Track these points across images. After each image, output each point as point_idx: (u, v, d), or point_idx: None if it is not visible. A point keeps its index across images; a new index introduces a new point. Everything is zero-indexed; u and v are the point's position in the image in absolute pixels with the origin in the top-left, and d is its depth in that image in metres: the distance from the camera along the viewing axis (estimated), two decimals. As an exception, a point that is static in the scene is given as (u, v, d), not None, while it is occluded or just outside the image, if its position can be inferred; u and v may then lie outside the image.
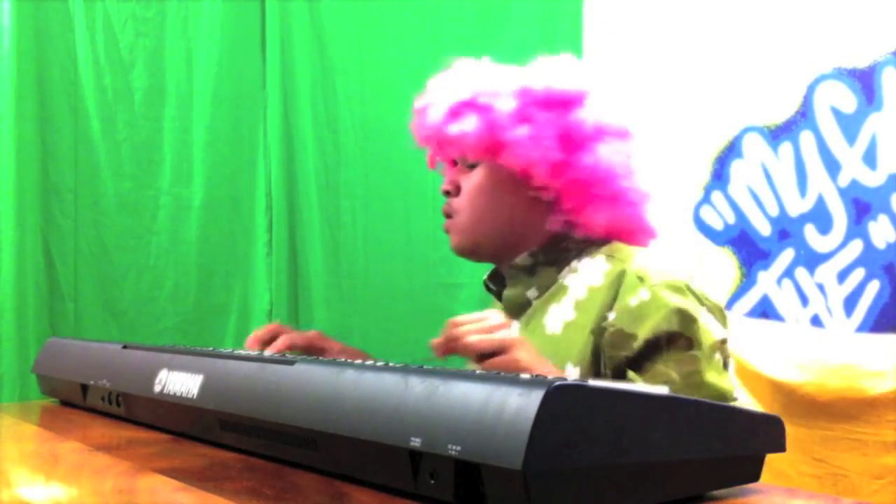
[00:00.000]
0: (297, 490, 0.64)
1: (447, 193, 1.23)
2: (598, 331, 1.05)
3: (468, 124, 1.14)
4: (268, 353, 1.17)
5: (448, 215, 1.23)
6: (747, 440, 0.64)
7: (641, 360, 1.01)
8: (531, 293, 1.17)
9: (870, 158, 1.77)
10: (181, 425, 0.86)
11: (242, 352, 1.03)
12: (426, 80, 1.28)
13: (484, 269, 1.50)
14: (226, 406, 0.75)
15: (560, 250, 1.17)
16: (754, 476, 0.65)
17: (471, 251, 1.22)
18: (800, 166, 1.90)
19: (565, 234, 1.18)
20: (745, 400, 1.08)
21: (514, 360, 0.93)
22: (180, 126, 2.11)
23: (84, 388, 1.05)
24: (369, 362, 0.67)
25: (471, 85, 1.18)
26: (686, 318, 1.01)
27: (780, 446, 0.67)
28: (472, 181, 1.20)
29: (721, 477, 0.63)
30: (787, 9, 1.92)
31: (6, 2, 1.86)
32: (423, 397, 0.56)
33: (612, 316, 1.04)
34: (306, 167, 2.26)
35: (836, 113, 1.84)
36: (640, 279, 1.04)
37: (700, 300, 1.05)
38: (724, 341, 1.05)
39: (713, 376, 1.01)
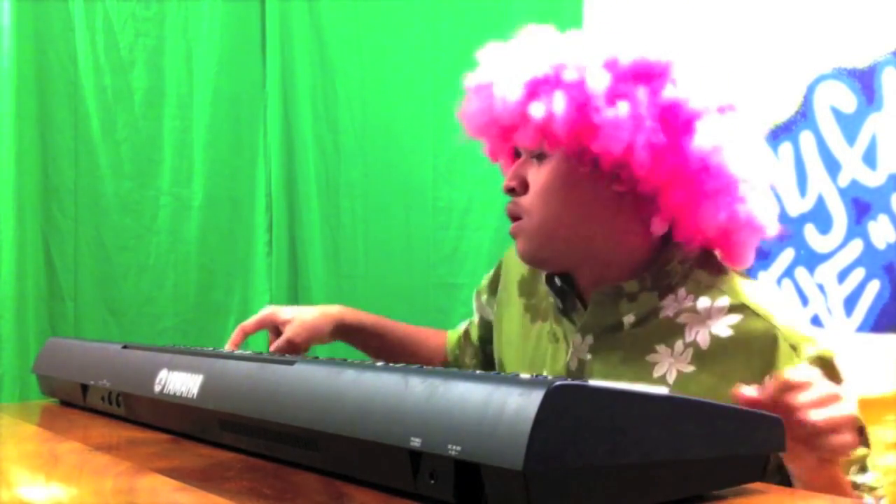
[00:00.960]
0: (297, 490, 0.63)
1: (512, 191, 1.03)
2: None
3: (557, 105, 0.93)
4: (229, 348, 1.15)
5: (515, 217, 1.03)
6: (748, 440, 0.64)
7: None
8: (628, 318, 1.00)
9: (870, 158, 1.78)
10: (181, 425, 0.86)
11: (242, 352, 1.03)
12: (426, 80, 1.24)
13: (483, 270, 1.49)
14: (226, 406, 0.75)
15: (665, 273, 1.00)
16: (755, 476, 0.65)
17: (545, 260, 1.04)
18: (800, 166, 1.90)
19: (668, 250, 1.01)
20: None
21: (853, 445, 0.80)
22: (180, 126, 2.11)
23: (84, 388, 1.05)
24: (369, 362, 0.67)
25: (549, 57, 0.98)
26: (846, 392, 0.86)
27: (780, 446, 0.67)
28: (543, 176, 1.00)
29: (721, 477, 0.63)
30: (787, 9, 1.92)
31: (6, 2, 1.86)
32: (423, 397, 0.56)
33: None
34: (306, 167, 2.26)
35: (836, 113, 1.84)
36: (794, 349, 0.92)
37: (838, 365, 0.95)
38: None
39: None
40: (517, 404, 0.50)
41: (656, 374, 0.97)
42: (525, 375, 0.54)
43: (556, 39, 1.04)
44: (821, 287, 1.84)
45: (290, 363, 0.71)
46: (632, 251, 1.02)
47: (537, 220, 1.01)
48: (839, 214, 1.81)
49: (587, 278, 1.05)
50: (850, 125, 1.81)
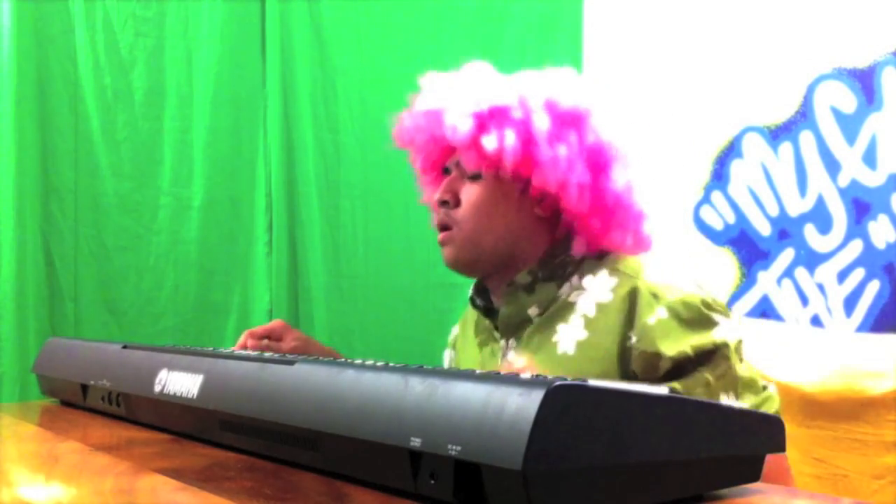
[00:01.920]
0: (297, 490, 0.64)
1: (445, 203, 1.17)
2: (623, 352, 1.03)
3: (508, 140, 1.09)
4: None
5: (444, 227, 1.17)
6: (747, 440, 0.64)
7: (676, 375, 1.01)
8: (532, 311, 1.13)
9: (870, 158, 1.77)
10: (181, 425, 0.86)
11: (242, 352, 1.03)
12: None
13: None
14: (226, 406, 0.75)
15: (557, 265, 1.14)
16: (754, 476, 0.65)
17: (468, 266, 1.18)
18: (800, 166, 1.90)
19: (557, 247, 1.15)
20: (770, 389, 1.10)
21: None
22: (180, 126, 2.11)
23: (84, 388, 1.05)
24: (369, 362, 0.67)
25: (495, 93, 1.12)
26: (707, 329, 1.02)
27: (780, 446, 0.67)
28: (475, 193, 1.14)
29: (721, 477, 0.63)
30: (787, 9, 1.92)
31: (6, 2, 1.86)
32: (423, 397, 0.56)
33: (633, 338, 1.03)
34: (306, 167, 2.26)
35: (836, 113, 1.84)
36: (655, 296, 1.04)
37: (713, 308, 1.05)
38: (741, 342, 1.06)
39: (742, 370, 1.04)
40: (517, 404, 0.50)
41: (560, 350, 1.08)
42: (525, 375, 0.54)
43: (496, 77, 1.17)
44: (821, 287, 1.84)
45: (290, 363, 0.71)
46: (535, 252, 1.16)
47: (467, 231, 1.14)
48: (839, 214, 1.81)
49: (499, 284, 1.18)
50: (850, 125, 1.81)
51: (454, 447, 0.52)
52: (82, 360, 1.09)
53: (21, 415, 1.16)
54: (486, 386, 0.53)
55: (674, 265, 1.13)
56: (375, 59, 2.33)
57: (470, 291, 1.25)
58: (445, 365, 1.42)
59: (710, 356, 1.01)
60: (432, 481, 0.55)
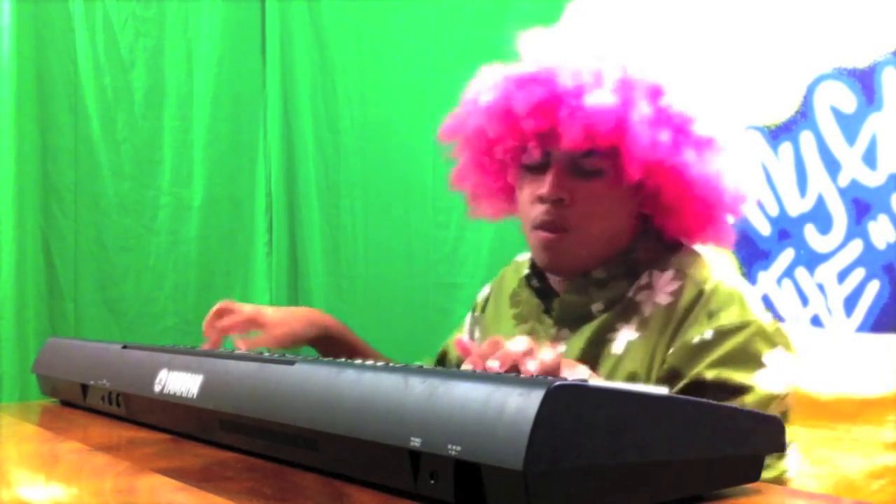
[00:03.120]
0: (297, 490, 0.63)
1: (560, 201, 1.03)
2: (661, 361, 0.97)
3: (663, 135, 0.99)
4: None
5: (557, 228, 1.04)
6: (747, 440, 0.64)
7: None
8: (596, 306, 1.06)
9: (870, 158, 1.77)
10: (181, 425, 0.86)
11: (242, 352, 1.03)
12: (426, 79, 1.24)
13: (483, 270, 1.48)
14: (226, 406, 0.75)
15: (632, 262, 1.06)
16: (754, 476, 0.65)
17: (576, 271, 1.07)
18: (800, 166, 1.90)
19: (637, 242, 1.07)
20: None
21: None
22: (180, 126, 2.11)
23: (84, 388, 1.05)
24: (369, 362, 0.67)
25: (615, 60, 1.02)
26: (742, 368, 0.94)
27: (780, 446, 0.67)
28: (595, 192, 1.03)
29: (721, 477, 0.63)
30: (787, 9, 1.92)
31: (6, 2, 1.86)
32: (423, 397, 0.56)
33: (671, 349, 0.97)
34: (306, 167, 2.26)
35: (836, 113, 1.84)
36: (710, 315, 0.97)
37: (770, 344, 0.97)
38: (785, 397, 0.96)
39: None
40: (517, 404, 0.50)
41: (613, 351, 1.02)
42: (525, 375, 0.54)
43: (602, 42, 1.08)
44: (821, 287, 1.84)
45: (290, 363, 0.71)
46: (618, 247, 1.08)
47: (586, 235, 1.04)
48: (839, 214, 1.81)
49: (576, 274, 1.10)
50: (850, 125, 1.81)
51: (454, 447, 0.52)
52: (82, 360, 1.09)
53: (21, 415, 1.16)
54: (486, 386, 0.53)
55: (735, 274, 1.05)
56: (375, 59, 2.33)
57: (525, 269, 1.16)
58: (465, 327, 1.34)
59: (726, 395, 0.92)
60: (432, 481, 0.55)
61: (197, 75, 2.13)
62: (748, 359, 0.95)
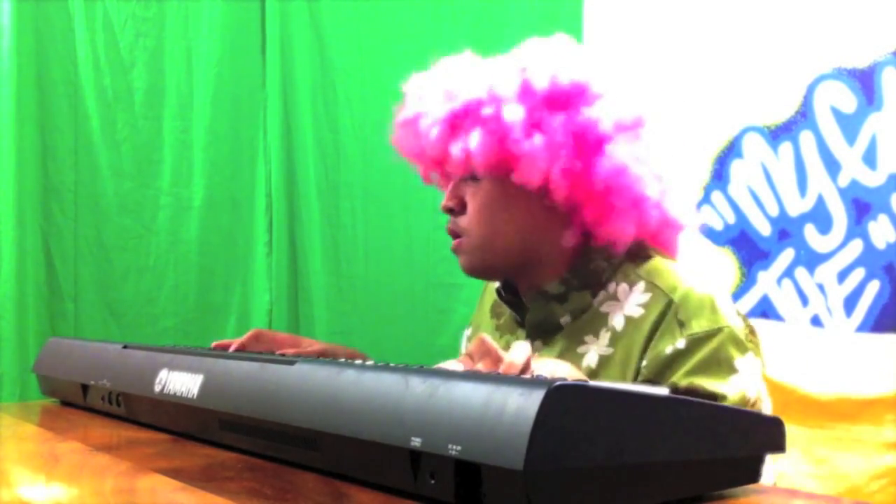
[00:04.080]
0: (297, 490, 0.63)
1: (450, 211, 1.10)
2: (635, 373, 0.97)
3: (473, 141, 1.01)
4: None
5: (455, 235, 1.10)
6: (747, 441, 0.64)
7: None
8: (564, 319, 1.06)
9: (870, 158, 1.77)
10: (181, 425, 0.86)
11: (242, 352, 1.03)
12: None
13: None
14: (226, 406, 0.75)
15: (590, 271, 1.06)
16: (754, 476, 0.65)
17: (485, 272, 1.11)
18: (800, 166, 1.90)
19: (592, 251, 1.07)
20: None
21: None
22: (180, 126, 2.11)
23: (84, 388, 1.05)
24: (369, 362, 0.67)
25: (466, 90, 1.04)
26: (714, 375, 0.94)
27: (780, 446, 0.67)
28: (479, 197, 1.07)
29: (721, 477, 0.63)
30: (787, 9, 1.92)
31: (6, 2, 1.86)
32: (423, 397, 0.56)
33: (645, 361, 0.97)
34: (306, 167, 2.26)
35: (836, 113, 1.84)
36: (681, 324, 0.97)
37: (742, 348, 0.97)
38: (755, 402, 0.97)
39: None
40: (517, 404, 0.50)
41: (584, 363, 1.02)
42: (525, 376, 0.54)
43: (472, 69, 1.08)
44: (821, 287, 1.84)
45: (291, 363, 0.71)
46: (562, 253, 1.08)
47: (476, 237, 1.07)
48: (839, 214, 1.81)
49: (525, 284, 1.11)
50: (850, 125, 1.81)
51: (454, 447, 0.52)
52: (82, 360, 1.09)
53: (21, 415, 1.16)
54: (486, 386, 0.53)
55: (716, 281, 1.04)
56: (375, 59, 2.33)
57: (496, 283, 1.19)
58: (462, 345, 1.37)
59: (702, 398, 0.92)
60: (432, 481, 0.55)
61: (197, 75, 2.13)
62: (720, 365, 0.95)
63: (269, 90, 2.23)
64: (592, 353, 1.02)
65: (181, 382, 0.82)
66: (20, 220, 1.85)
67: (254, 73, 2.22)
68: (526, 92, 1.02)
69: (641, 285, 1.02)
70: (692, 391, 0.94)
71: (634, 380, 0.98)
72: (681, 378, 0.94)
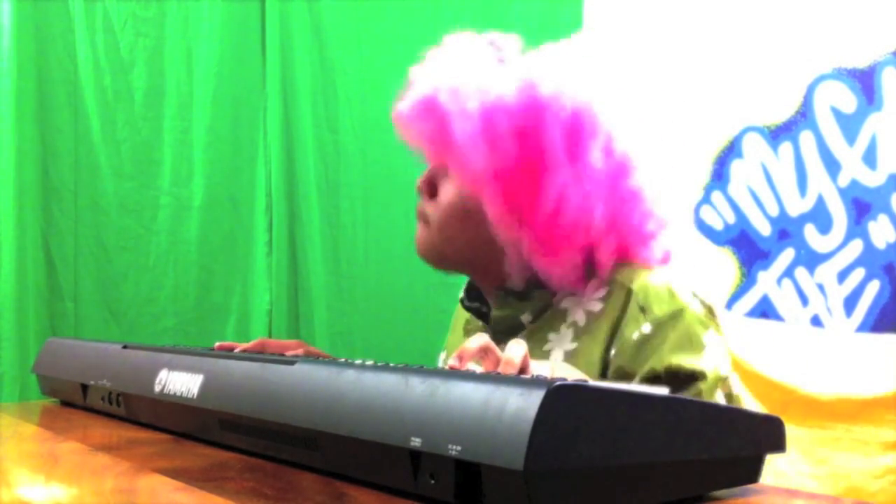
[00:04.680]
0: (297, 490, 0.63)
1: (419, 192, 1.11)
2: (604, 365, 0.98)
3: (475, 158, 1.00)
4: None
5: (423, 218, 1.11)
6: (747, 440, 0.64)
7: None
8: (525, 317, 1.07)
9: (870, 158, 1.77)
10: (181, 425, 0.86)
11: (242, 352, 1.03)
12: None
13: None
14: (226, 406, 0.75)
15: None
16: (754, 476, 0.65)
17: (434, 264, 1.13)
18: (800, 166, 1.90)
19: None
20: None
21: None
22: (180, 126, 2.11)
23: (84, 388, 1.05)
24: (369, 362, 0.67)
25: (434, 81, 1.07)
26: (689, 353, 0.95)
27: (780, 446, 0.67)
28: (447, 193, 1.07)
29: (721, 477, 0.63)
30: (787, 9, 1.92)
31: (6, 2, 1.86)
32: (423, 397, 0.56)
33: (613, 350, 0.97)
34: (306, 167, 2.26)
35: (836, 113, 1.84)
36: (643, 310, 0.98)
37: (706, 327, 0.98)
38: (726, 378, 0.98)
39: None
40: (517, 404, 0.50)
41: (550, 359, 1.02)
42: (525, 375, 0.54)
43: (453, 64, 1.10)
44: (821, 287, 1.84)
45: (291, 363, 0.71)
46: (518, 257, 1.06)
47: (434, 231, 1.08)
48: (839, 214, 1.81)
49: (487, 284, 1.11)
50: (850, 125, 1.81)
51: (454, 447, 0.52)
52: (82, 360, 1.09)
53: (21, 415, 1.16)
54: (486, 386, 0.53)
55: (672, 269, 1.06)
56: (375, 59, 2.33)
57: (461, 293, 1.19)
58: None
59: (680, 383, 0.94)
60: (432, 481, 0.55)
61: (197, 75, 2.13)
62: (691, 343, 0.96)
63: (269, 90, 2.23)
64: (557, 350, 1.03)
65: (181, 382, 0.82)
66: (20, 220, 1.85)
67: (254, 73, 2.22)
68: (482, 105, 1.02)
69: (595, 281, 1.03)
70: (673, 372, 0.94)
71: (603, 371, 0.98)
72: (657, 362, 0.95)
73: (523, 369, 0.77)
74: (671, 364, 0.95)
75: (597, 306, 1.02)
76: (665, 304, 0.98)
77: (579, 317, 1.03)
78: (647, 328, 0.97)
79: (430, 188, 1.10)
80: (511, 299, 1.08)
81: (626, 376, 0.96)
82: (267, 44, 2.23)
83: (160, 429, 0.89)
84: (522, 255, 1.03)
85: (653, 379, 0.95)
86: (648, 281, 1.01)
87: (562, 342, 1.03)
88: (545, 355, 1.03)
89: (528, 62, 1.06)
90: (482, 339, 0.79)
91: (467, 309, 1.17)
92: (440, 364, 1.38)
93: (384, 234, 2.35)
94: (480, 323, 1.17)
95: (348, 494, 0.61)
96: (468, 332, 1.23)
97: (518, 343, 0.78)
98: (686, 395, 0.94)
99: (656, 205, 1.06)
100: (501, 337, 1.08)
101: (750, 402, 1.02)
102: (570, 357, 1.01)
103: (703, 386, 0.94)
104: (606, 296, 1.01)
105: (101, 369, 1.01)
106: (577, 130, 1.00)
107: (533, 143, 0.99)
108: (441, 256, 1.10)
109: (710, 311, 1.03)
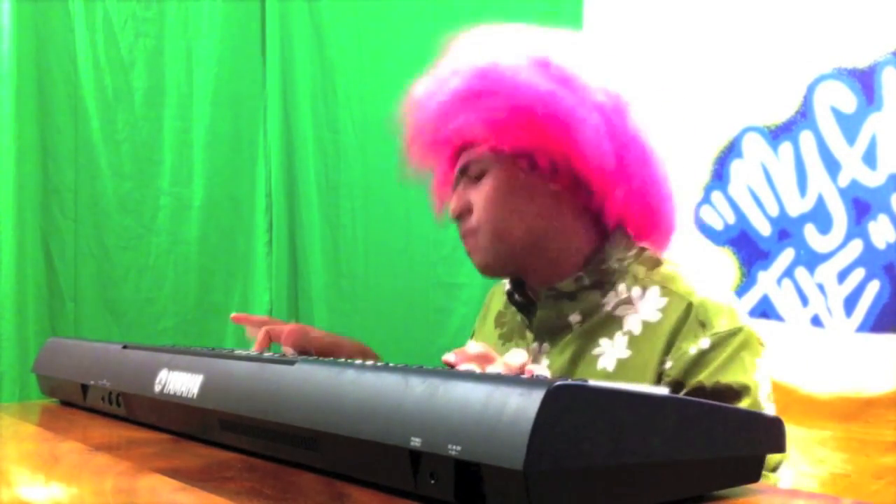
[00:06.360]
0: (297, 490, 0.63)
1: (459, 216, 1.09)
2: (658, 376, 0.98)
3: (485, 108, 1.00)
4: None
5: (468, 235, 1.09)
6: (747, 440, 0.64)
7: None
8: (573, 317, 1.06)
9: (870, 158, 1.77)
10: (181, 425, 0.86)
11: (242, 352, 1.03)
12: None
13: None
14: (226, 406, 0.75)
15: (604, 272, 1.06)
16: (754, 476, 0.65)
17: (496, 268, 1.09)
18: (800, 166, 1.90)
19: (607, 250, 1.06)
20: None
21: None
22: (180, 126, 2.11)
23: (84, 388, 1.05)
24: (369, 362, 0.67)
25: (483, 70, 1.06)
26: (741, 371, 0.97)
27: (780, 446, 0.67)
28: (483, 192, 1.06)
29: (721, 477, 0.63)
30: (787, 9, 1.92)
31: (6, 2, 1.86)
32: (423, 397, 0.56)
33: (669, 363, 0.98)
34: (306, 167, 2.26)
35: (836, 113, 1.84)
36: (703, 325, 0.98)
37: (759, 347, 1.00)
38: (770, 395, 1.00)
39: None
40: (517, 404, 0.50)
41: (600, 366, 1.02)
42: (525, 375, 0.54)
43: (484, 51, 1.11)
44: (821, 287, 1.84)
45: (291, 363, 0.71)
46: (578, 250, 1.07)
47: (486, 231, 1.06)
48: (839, 214, 1.81)
49: (539, 281, 1.10)
50: (850, 125, 1.81)
51: (454, 447, 0.52)
52: (82, 360, 1.09)
53: (21, 415, 1.16)
54: (486, 386, 0.53)
55: (725, 287, 1.06)
56: (375, 59, 2.33)
57: (507, 284, 1.17)
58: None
59: (727, 397, 0.95)
60: (432, 481, 0.55)
61: (197, 75, 2.13)
62: (744, 362, 0.98)
63: (269, 90, 2.23)
64: (609, 356, 1.02)
65: (181, 382, 0.82)
66: (20, 220, 1.85)
67: (254, 73, 2.22)
68: (541, 64, 1.04)
69: (657, 290, 1.03)
70: (721, 390, 0.95)
71: (657, 383, 0.98)
72: (707, 377, 0.96)
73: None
74: (719, 381, 0.96)
75: (655, 316, 1.01)
76: (726, 322, 0.99)
77: (635, 326, 1.02)
78: (705, 343, 0.97)
79: (468, 207, 1.08)
80: (562, 301, 1.07)
81: (677, 386, 0.97)
82: (267, 44, 2.23)
83: (160, 429, 0.89)
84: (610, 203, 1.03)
85: (698, 392, 0.95)
86: (709, 295, 1.01)
87: (616, 350, 1.02)
88: (594, 360, 1.03)
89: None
90: (483, 347, 0.79)
91: (514, 303, 1.15)
92: None
93: (384, 234, 2.35)
94: (518, 318, 1.16)
95: (348, 494, 0.61)
96: (500, 324, 1.22)
97: (519, 351, 0.79)
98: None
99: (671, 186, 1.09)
100: (546, 338, 1.09)
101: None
102: (621, 365, 1.01)
103: (748, 400, 0.95)
104: (666, 307, 1.01)
105: (101, 369, 1.01)
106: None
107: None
108: (502, 254, 1.07)
109: (761, 337, 1.03)
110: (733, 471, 0.63)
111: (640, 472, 0.55)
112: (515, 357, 0.79)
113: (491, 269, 1.09)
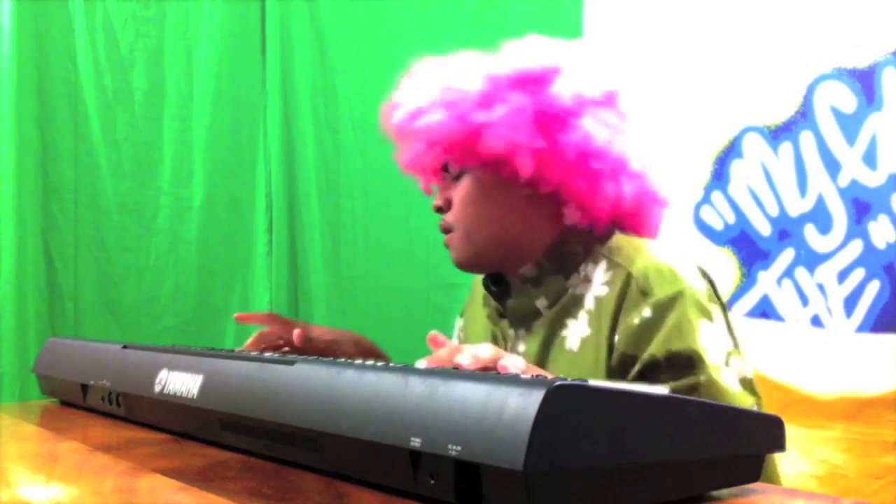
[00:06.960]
0: (297, 490, 0.63)
1: (439, 210, 1.15)
2: (609, 349, 0.99)
3: (433, 117, 1.06)
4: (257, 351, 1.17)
5: (445, 231, 1.15)
6: (747, 440, 0.64)
7: (641, 379, 0.96)
8: (540, 302, 1.09)
9: (870, 158, 1.77)
10: (181, 425, 0.86)
11: (242, 352, 1.03)
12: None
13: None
14: (226, 406, 0.75)
15: (565, 254, 1.09)
16: (754, 476, 0.65)
17: (472, 264, 1.14)
18: (800, 166, 1.90)
19: (568, 235, 1.09)
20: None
21: None
22: (180, 126, 2.11)
23: (84, 388, 1.05)
24: (369, 362, 0.67)
25: (435, 84, 1.10)
26: (689, 337, 0.96)
27: (780, 446, 0.67)
28: (460, 191, 1.12)
29: (721, 477, 0.63)
30: (787, 9, 1.92)
31: (6, 2, 1.86)
32: (423, 397, 0.56)
33: (616, 336, 0.99)
34: (306, 167, 2.26)
35: (836, 113, 1.84)
36: (643, 293, 0.98)
37: (707, 306, 0.99)
38: (731, 352, 0.99)
39: (726, 382, 0.96)
40: (517, 404, 0.50)
41: (567, 346, 1.05)
42: (525, 375, 0.54)
43: (447, 67, 1.14)
44: (821, 287, 1.84)
45: (291, 363, 0.71)
46: (542, 241, 1.11)
47: (461, 229, 1.12)
48: (839, 214, 1.81)
49: (513, 274, 1.13)
50: (850, 125, 1.81)
51: (454, 447, 0.52)
52: (82, 360, 1.09)
53: (21, 415, 1.16)
54: (486, 386, 0.53)
55: (677, 248, 1.06)
56: (375, 59, 2.33)
57: (483, 277, 1.21)
58: (455, 337, 1.38)
59: (681, 365, 0.95)
60: (432, 481, 0.55)
61: (197, 75, 2.13)
62: (692, 327, 0.97)
63: (269, 90, 2.23)
64: (574, 335, 1.05)
65: (181, 382, 0.82)
66: (20, 220, 1.85)
67: (254, 73, 2.22)
68: (490, 78, 1.07)
69: (604, 263, 1.05)
70: (671, 359, 0.95)
71: (609, 357, 0.99)
72: (657, 348, 0.96)
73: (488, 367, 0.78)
74: (671, 349, 0.95)
75: (603, 290, 1.03)
76: (667, 286, 0.99)
77: (590, 302, 1.05)
78: (647, 312, 0.98)
79: (448, 201, 1.14)
80: (528, 286, 1.10)
81: (628, 362, 0.97)
82: (267, 44, 2.23)
83: (160, 429, 0.89)
84: (568, 204, 1.07)
85: (653, 365, 0.96)
86: (650, 260, 1.02)
87: (579, 329, 1.05)
88: (563, 341, 1.06)
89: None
90: (492, 349, 0.80)
91: (490, 292, 1.18)
92: (456, 331, 1.38)
93: (384, 234, 2.35)
94: (494, 304, 1.18)
95: (348, 494, 0.61)
96: (486, 304, 1.23)
97: (516, 358, 0.79)
98: (689, 380, 0.94)
99: (656, 181, 1.11)
100: (520, 325, 1.13)
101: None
102: (584, 343, 1.03)
103: (702, 376, 0.95)
104: (611, 279, 1.03)
105: (101, 369, 1.01)
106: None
107: (543, 102, 1.05)
108: (475, 252, 1.12)
109: (713, 286, 1.04)
110: (733, 470, 0.63)
111: (640, 471, 0.55)
112: (484, 350, 0.80)
113: (464, 266, 1.15)
